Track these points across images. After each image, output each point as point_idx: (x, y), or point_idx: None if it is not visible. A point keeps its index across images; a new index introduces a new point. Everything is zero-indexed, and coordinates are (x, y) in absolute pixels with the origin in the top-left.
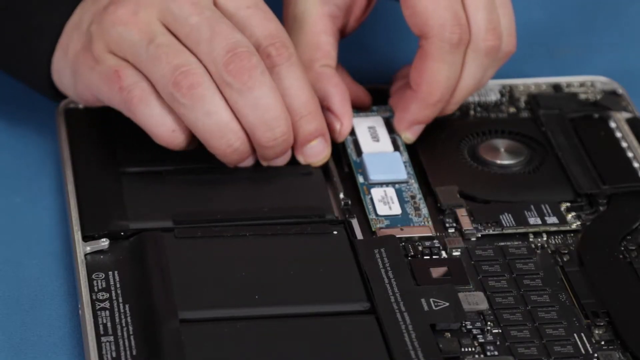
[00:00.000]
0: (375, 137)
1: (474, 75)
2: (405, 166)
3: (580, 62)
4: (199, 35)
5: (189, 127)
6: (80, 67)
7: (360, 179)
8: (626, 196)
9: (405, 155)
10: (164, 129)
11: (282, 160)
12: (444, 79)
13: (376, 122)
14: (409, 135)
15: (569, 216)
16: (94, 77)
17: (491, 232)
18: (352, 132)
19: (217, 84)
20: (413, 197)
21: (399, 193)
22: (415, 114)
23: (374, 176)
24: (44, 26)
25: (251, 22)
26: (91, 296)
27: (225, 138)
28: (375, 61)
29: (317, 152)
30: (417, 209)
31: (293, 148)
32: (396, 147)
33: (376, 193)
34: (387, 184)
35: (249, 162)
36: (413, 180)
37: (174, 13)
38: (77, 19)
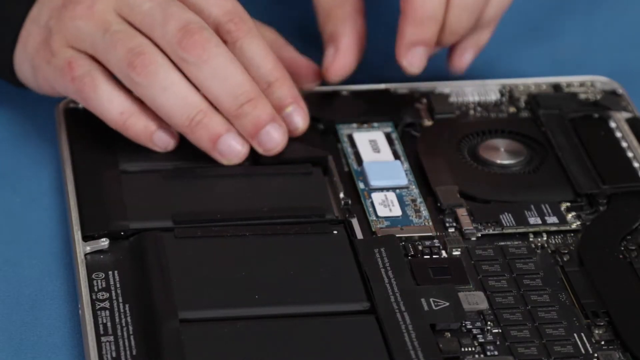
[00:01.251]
0: (376, 149)
1: None
2: (406, 174)
3: (580, 62)
4: (152, 19)
5: (151, 108)
6: (39, 61)
7: (361, 185)
8: (626, 196)
9: (406, 164)
10: (112, 111)
11: (274, 142)
12: None
13: (377, 136)
14: (409, 59)
15: (569, 216)
16: (50, 70)
17: (491, 231)
18: (353, 144)
19: (176, 64)
20: (413, 201)
21: (399, 197)
22: (408, 35)
23: (374, 182)
24: (6, 19)
25: (208, 2)
26: (91, 296)
27: (185, 112)
28: (376, 61)
29: (294, 120)
30: (417, 211)
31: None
32: (397, 157)
33: (377, 197)
34: (387, 189)
35: (230, 143)
36: (414, 186)
37: (129, 3)
38: (36, 12)
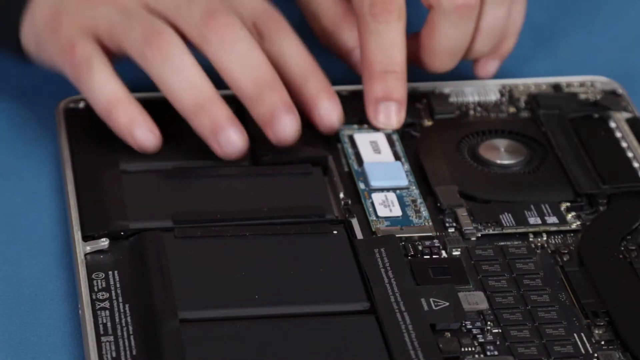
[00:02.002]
0: (377, 150)
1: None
2: (407, 174)
3: (580, 62)
4: (178, 6)
5: (160, 88)
6: (45, 36)
7: (362, 186)
8: (626, 196)
9: (407, 165)
10: (100, 99)
11: (289, 133)
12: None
13: (378, 137)
14: (380, 117)
15: (569, 216)
16: (53, 47)
17: (491, 231)
18: (354, 145)
19: (198, 46)
20: (414, 202)
21: (399, 198)
22: (372, 92)
23: (374, 182)
24: None
25: (242, 2)
26: (91, 296)
27: (193, 96)
28: None
29: (331, 112)
30: (417, 211)
31: (307, 112)
32: (397, 158)
33: (377, 197)
34: (388, 189)
35: (231, 136)
36: (414, 187)
37: None
38: None
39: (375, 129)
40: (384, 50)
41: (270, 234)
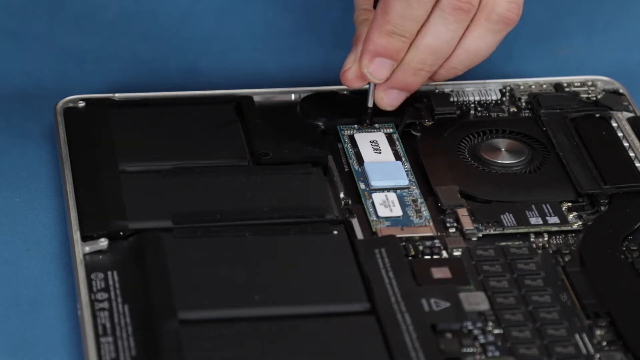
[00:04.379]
0: (377, 150)
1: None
2: (407, 174)
3: (582, 62)
4: None
5: None
6: None
7: (362, 186)
8: (628, 196)
9: (407, 165)
10: None
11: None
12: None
13: (378, 137)
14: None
15: (570, 216)
16: None
17: (492, 232)
18: (354, 145)
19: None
20: (414, 201)
21: (400, 198)
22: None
23: (375, 182)
24: None
25: None
26: (90, 296)
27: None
28: None
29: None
30: (418, 211)
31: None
32: (398, 158)
33: (377, 197)
34: (388, 189)
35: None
36: (414, 186)
37: None
38: None
39: (375, 127)
40: (399, 17)
41: (270, 234)
